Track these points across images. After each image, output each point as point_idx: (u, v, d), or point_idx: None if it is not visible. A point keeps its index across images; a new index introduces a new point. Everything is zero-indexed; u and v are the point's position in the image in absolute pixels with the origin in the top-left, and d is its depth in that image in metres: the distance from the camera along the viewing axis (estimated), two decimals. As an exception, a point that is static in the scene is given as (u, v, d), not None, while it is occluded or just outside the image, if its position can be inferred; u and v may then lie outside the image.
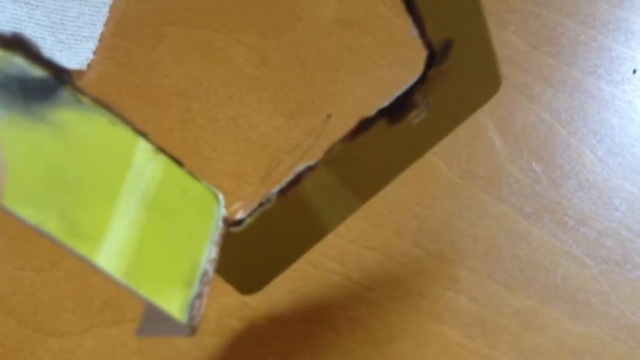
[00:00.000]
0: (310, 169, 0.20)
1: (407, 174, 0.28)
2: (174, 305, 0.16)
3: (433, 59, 0.19)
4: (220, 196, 0.18)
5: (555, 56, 0.31)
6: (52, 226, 0.13)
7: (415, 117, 0.20)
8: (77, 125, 0.14)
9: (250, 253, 0.21)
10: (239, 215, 0.20)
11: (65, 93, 0.14)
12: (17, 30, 0.13)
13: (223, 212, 0.18)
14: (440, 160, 0.28)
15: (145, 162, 0.16)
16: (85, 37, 0.33)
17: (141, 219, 0.15)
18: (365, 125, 0.19)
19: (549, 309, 0.24)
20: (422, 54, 0.20)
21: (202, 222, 0.18)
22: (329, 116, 0.28)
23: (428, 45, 0.18)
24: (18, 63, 0.13)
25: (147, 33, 0.33)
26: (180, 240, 0.17)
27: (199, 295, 0.16)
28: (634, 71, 0.30)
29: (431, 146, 0.22)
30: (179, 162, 0.17)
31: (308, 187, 0.20)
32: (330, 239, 0.26)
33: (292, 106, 0.30)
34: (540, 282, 0.24)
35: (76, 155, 0.14)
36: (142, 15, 0.34)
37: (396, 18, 0.33)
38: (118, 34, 0.33)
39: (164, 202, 0.16)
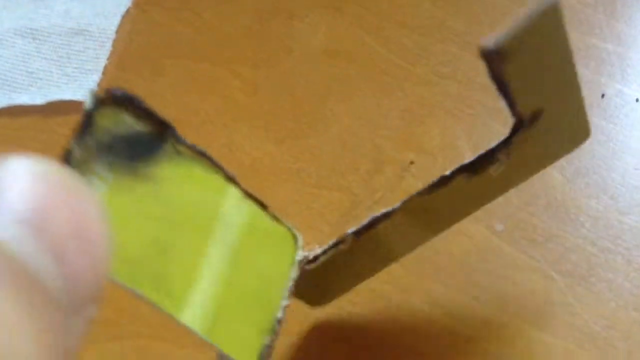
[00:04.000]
0: (386, 215, 0.20)
1: (388, 196, 0.29)
2: (251, 353, 0.16)
3: (520, 126, 0.19)
4: (300, 237, 0.19)
5: (529, 82, 0.32)
6: (145, 288, 0.14)
7: (495, 170, 0.20)
8: (175, 178, 0.15)
9: (321, 279, 0.21)
10: (315, 252, 0.20)
11: (166, 145, 0.15)
12: (116, 88, 0.14)
13: (301, 254, 0.19)
14: (419, 182, 0.30)
15: (233, 210, 0.17)
16: (89, 70, 0.35)
17: (225, 271, 0.16)
18: (444, 181, 0.20)
19: (518, 321, 0.25)
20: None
21: (281, 265, 0.18)
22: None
23: (517, 116, 0.18)
24: (125, 120, 0.14)
25: (148, 66, 0.35)
26: (260, 288, 0.17)
27: (269, 345, 0.17)
28: (603, 95, 0.31)
29: (508, 189, 0.23)
30: (263, 205, 0.18)
31: (384, 229, 0.21)
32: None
33: (283, 133, 0.32)
34: (510, 295, 0.26)
35: (171, 212, 0.15)
36: (143, 49, 0.36)
37: (381, 48, 0.35)
38: (120, 67, 0.36)
39: (248, 249, 0.17)
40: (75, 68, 0.35)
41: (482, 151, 0.19)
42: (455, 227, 0.28)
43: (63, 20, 0.37)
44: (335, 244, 0.21)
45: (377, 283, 0.27)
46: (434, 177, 0.30)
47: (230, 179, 0.17)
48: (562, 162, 0.29)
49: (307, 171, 0.31)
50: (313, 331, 0.26)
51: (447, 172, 0.20)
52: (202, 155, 0.16)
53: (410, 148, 0.31)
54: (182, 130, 0.35)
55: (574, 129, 0.22)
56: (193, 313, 0.15)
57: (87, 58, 0.36)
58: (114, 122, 0.14)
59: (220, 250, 0.16)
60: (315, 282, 0.21)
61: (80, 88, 0.34)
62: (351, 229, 0.21)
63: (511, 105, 0.18)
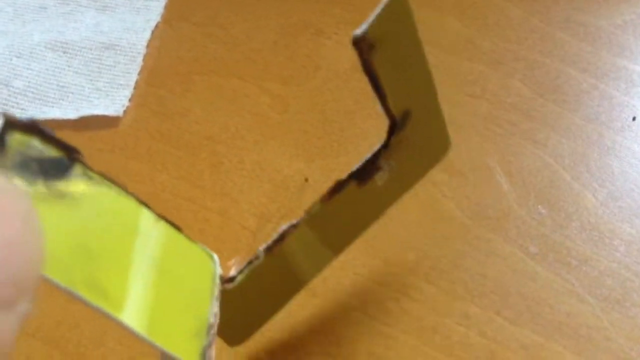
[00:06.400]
0: (293, 227, 0.22)
1: (421, 217, 0.30)
2: (191, 356, 0.17)
3: (394, 128, 0.21)
4: (215, 256, 0.20)
5: (559, 103, 0.33)
6: (80, 289, 0.15)
7: (380, 178, 0.23)
8: (90, 197, 0.16)
9: (239, 307, 0.23)
10: (232, 273, 0.22)
11: (76, 169, 0.16)
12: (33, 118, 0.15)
13: (219, 270, 0.20)
14: (451, 202, 0.30)
15: (149, 229, 0.18)
16: (121, 84, 0.35)
17: (152, 279, 0.17)
18: (339, 186, 0.22)
19: (554, 344, 0.25)
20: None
21: (202, 280, 0.19)
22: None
23: (390, 116, 0.21)
24: (35, 145, 0.15)
25: (178, 81, 0.36)
26: (187, 296, 0.18)
27: (209, 345, 0.18)
28: (634, 118, 0.32)
29: (392, 203, 0.25)
30: (177, 228, 0.19)
31: (291, 244, 0.23)
32: (349, 278, 0.28)
33: (313, 150, 0.33)
34: (545, 318, 0.26)
35: (91, 225, 0.16)
36: (173, 64, 0.36)
37: (410, 67, 0.35)
38: (151, 82, 0.36)
39: (169, 263, 0.18)
40: (107, 83, 0.36)
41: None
42: (489, 249, 0.28)
43: (93, 34, 0.38)
44: (249, 262, 0.22)
45: (412, 303, 0.27)
46: (466, 196, 0.30)
47: (142, 203, 0.18)
48: (595, 184, 0.30)
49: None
50: (341, 351, 0.26)
51: (342, 178, 0.22)
52: (112, 181, 0.17)
53: (441, 167, 0.31)
54: (213, 145, 0.35)
55: (437, 137, 0.25)
56: (132, 315, 0.16)
57: (119, 73, 0.36)
58: (25, 146, 0.15)
59: (144, 261, 0.17)
60: (234, 312, 0.22)
61: (112, 103, 0.35)
62: (262, 245, 0.22)
63: (384, 101, 0.20)
